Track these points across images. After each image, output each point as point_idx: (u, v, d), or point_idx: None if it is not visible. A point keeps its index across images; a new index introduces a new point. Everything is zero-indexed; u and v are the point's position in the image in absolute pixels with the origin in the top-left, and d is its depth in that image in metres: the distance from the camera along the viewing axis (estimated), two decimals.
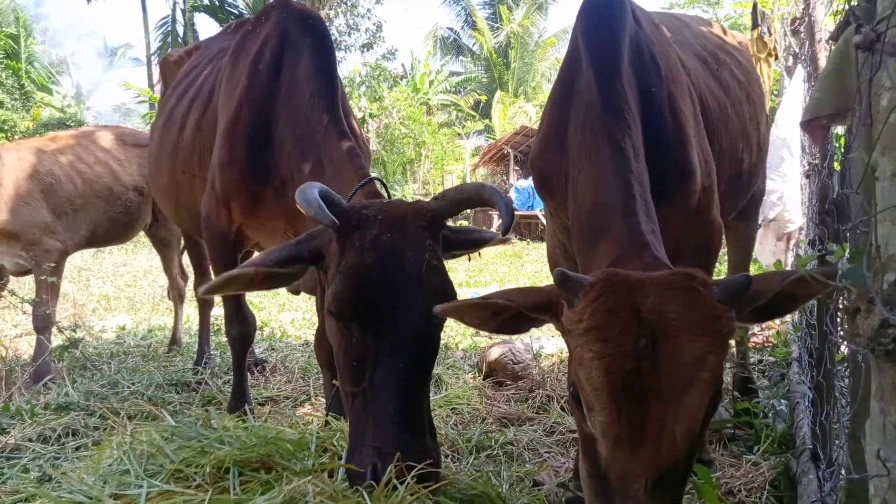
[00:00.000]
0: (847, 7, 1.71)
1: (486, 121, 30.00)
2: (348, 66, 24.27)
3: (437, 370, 4.08)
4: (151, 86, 22.11)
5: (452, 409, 3.44)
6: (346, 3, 21.96)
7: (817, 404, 2.43)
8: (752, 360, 4.11)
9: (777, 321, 5.49)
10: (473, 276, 10.56)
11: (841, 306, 1.90)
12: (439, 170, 25.80)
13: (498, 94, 29.57)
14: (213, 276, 3.54)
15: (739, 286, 1.43)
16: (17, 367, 4.21)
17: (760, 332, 5.20)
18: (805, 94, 4.94)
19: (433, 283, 1.96)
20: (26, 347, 5.00)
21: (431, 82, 29.12)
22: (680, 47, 2.75)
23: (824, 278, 1.38)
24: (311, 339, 4.82)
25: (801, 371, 3.55)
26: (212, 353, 4.62)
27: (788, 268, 4.85)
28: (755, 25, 5.88)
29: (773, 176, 5.31)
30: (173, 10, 25.09)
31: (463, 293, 4.56)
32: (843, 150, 2.37)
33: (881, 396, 1.04)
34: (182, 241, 5.16)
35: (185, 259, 5.27)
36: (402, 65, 30.95)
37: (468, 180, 26.23)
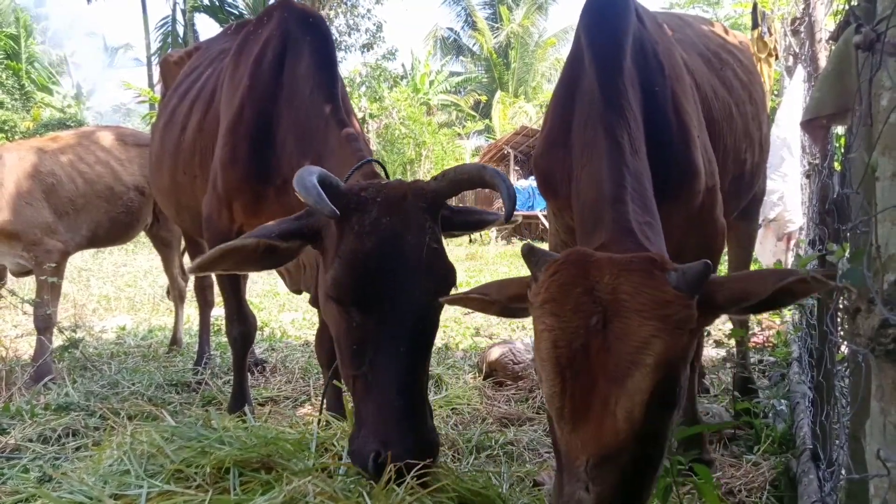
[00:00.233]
0: (847, 7, 1.71)
1: (486, 121, 30.00)
2: (348, 66, 24.29)
3: (437, 370, 4.08)
4: (151, 86, 22.11)
5: (452, 409, 3.43)
6: (346, 4, 21.96)
7: (817, 404, 2.43)
8: (752, 360, 4.11)
9: (777, 321, 5.49)
10: (473, 276, 10.56)
11: (841, 306, 1.90)
12: (439, 170, 25.70)
13: (498, 94, 29.57)
14: (213, 277, 3.55)
15: (696, 273, 1.42)
16: (18, 367, 4.21)
17: (760, 333, 5.20)
18: (805, 94, 4.94)
19: (434, 266, 1.95)
20: (26, 348, 5.00)
21: (431, 82, 29.12)
22: (683, 46, 2.75)
23: (824, 278, 1.37)
24: (311, 339, 4.82)
25: (802, 371, 3.54)
26: (212, 353, 4.62)
27: (789, 268, 4.85)
28: (755, 25, 5.88)
29: (774, 176, 5.31)
30: (173, 11, 25.12)
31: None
32: (843, 150, 2.37)
33: (881, 396, 1.04)
34: (183, 242, 5.16)
35: (186, 259, 5.27)
36: (402, 65, 30.99)
37: None
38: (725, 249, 4.15)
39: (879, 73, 1.08)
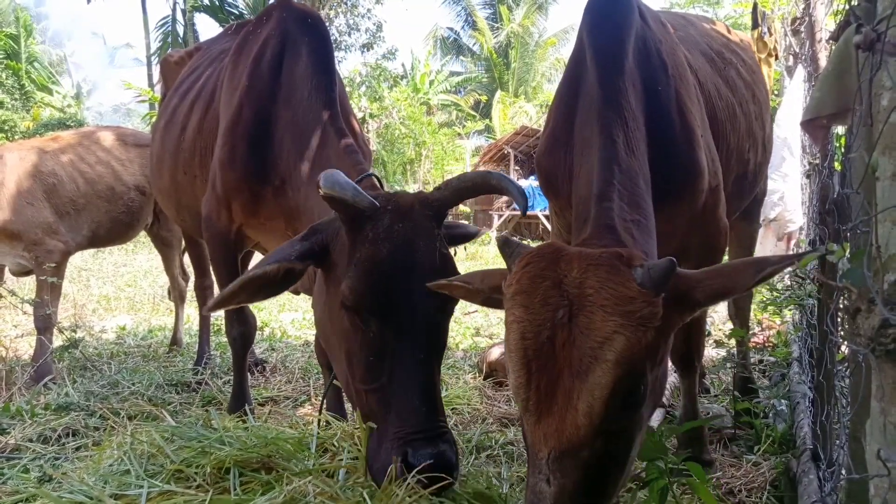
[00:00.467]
0: (847, 7, 1.71)
1: (486, 121, 30.00)
2: (348, 66, 24.36)
3: None
4: (151, 86, 22.11)
5: (452, 409, 3.43)
6: (346, 3, 21.97)
7: (818, 404, 2.43)
8: (752, 360, 4.11)
9: (777, 321, 5.49)
10: None
11: (841, 306, 1.90)
12: (439, 170, 25.79)
13: (498, 94, 29.57)
14: (213, 277, 3.54)
15: (661, 271, 1.42)
16: (18, 367, 4.21)
17: (761, 333, 5.20)
18: (805, 94, 4.94)
19: (445, 272, 1.96)
20: (26, 348, 5.01)
21: (431, 82, 29.12)
22: (686, 45, 2.75)
23: (793, 261, 1.43)
24: (311, 339, 4.82)
25: (802, 371, 3.54)
26: (212, 353, 4.62)
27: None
28: (755, 25, 5.87)
29: (774, 176, 5.32)
30: (173, 10, 25.12)
31: None
32: (843, 150, 2.37)
33: (881, 396, 1.04)
34: (183, 241, 5.17)
35: (186, 259, 5.27)
36: (402, 65, 31.01)
37: None
38: (727, 249, 4.16)
39: (879, 73, 1.08)
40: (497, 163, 25.05)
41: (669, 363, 2.77)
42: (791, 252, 5.82)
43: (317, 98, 2.73)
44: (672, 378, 3.64)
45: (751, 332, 4.35)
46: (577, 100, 2.25)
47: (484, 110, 30.99)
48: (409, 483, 1.75)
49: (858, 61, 1.21)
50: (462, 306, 3.61)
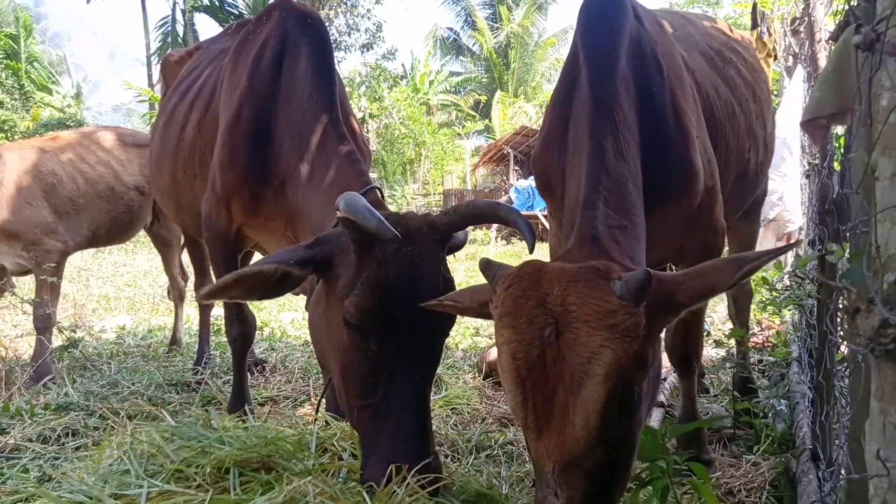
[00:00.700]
0: (847, 7, 1.71)
1: (486, 121, 30.02)
2: (348, 66, 24.38)
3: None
4: (151, 86, 22.11)
5: (452, 409, 3.43)
6: (346, 3, 21.98)
7: (817, 404, 2.43)
8: (752, 360, 4.11)
9: (777, 321, 5.49)
10: (473, 276, 10.55)
11: (841, 306, 1.90)
12: (439, 170, 25.83)
13: (498, 94, 29.59)
14: (213, 277, 3.55)
15: (637, 283, 1.43)
16: (17, 367, 4.21)
17: (760, 333, 5.20)
18: (805, 94, 4.94)
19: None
20: (26, 347, 5.00)
21: (431, 82, 29.13)
22: (685, 45, 2.74)
23: (766, 260, 1.49)
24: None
25: (801, 371, 3.54)
26: (212, 353, 4.62)
27: (788, 268, 4.86)
28: (755, 25, 5.88)
29: (774, 176, 5.32)
30: (173, 11, 25.12)
31: None
32: (843, 150, 2.37)
33: (881, 396, 1.04)
34: (182, 241, 5.17)
35: (186, 259, 5.27)
36: (402, 65, 31.03)
37: (468, 180, 26.23)
38: (727, 249, 4.16)
39: (879, 73, 1.08)
40: (497, 163, 25.09)
41: (669, 363, 2.79)
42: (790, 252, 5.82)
43: (317, 99, 2.74)
44: (671, 378, 3.64)
45: (750, 332, 4.35)
46: (571, 101, 2.25)
47: (484, 110, 31.00)
48: (408, 483, 1.76)
49: (858, 61, 1.21)
50: None
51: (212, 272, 3.60)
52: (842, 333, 2.00)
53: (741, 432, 3.09)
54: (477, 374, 4.20)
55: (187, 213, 3.51)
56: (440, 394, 3.64)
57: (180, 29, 24.95)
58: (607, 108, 2.05)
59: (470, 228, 2.59)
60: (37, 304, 4.22)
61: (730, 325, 4.41)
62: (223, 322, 3.36)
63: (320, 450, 2.17)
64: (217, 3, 24.51)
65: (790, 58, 6.25)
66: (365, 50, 23.16)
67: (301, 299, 7.28)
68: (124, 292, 8.44)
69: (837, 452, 2.01)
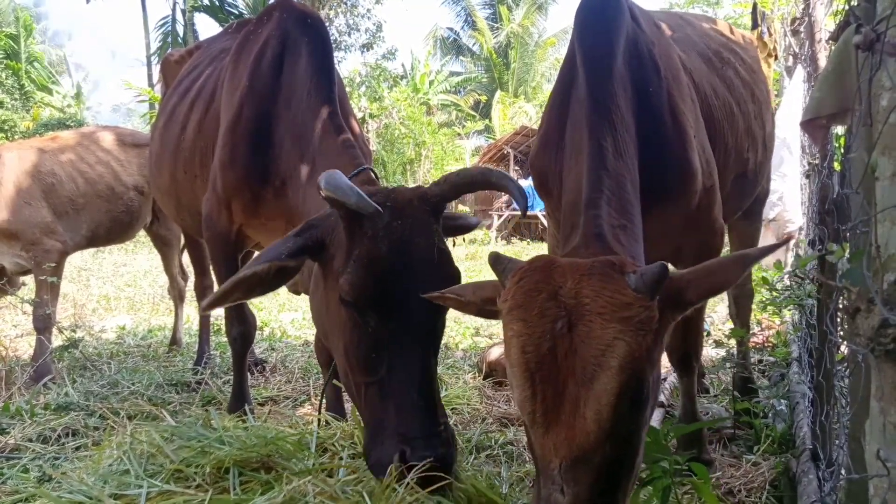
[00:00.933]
0: (847, 7, 1.71)
1: (486, 121, 30.01)
2: (348, 66, 24.38)
3: None
4: (151, 85, 22.10)
5: (452, 409, 3.43)
6: (346, 3, 21.97)
7: (817, 404, 2.43)
8: (752, 360, 4.11)
9: (777, 321, 5.49)
10: (473, 275, 10.56)
11: (841, 306, 1.90)
12: (439, 170, 25.77)
13: (498, 94, 29.59)
14: (213, 276, 3.54)
15: (653, 276, 1.43)
16: (17, 367, 4.21)
17: (760, 333, 5.20)
18: (805, 94, 4.94)
19: (443, 268, 1.98)
20: (26, 347, 5.00)
21: (431, 82, 29.12)
22: (682, 46, 2.74)
23: (766, 253, 1.51)
24: (311, 339, 4.82)
25: (801, 371, 3.54)
26: (212, 353, 4.62)
27: (788, 268, 4.86)
28: (755, 25, 5.88)
29: (774, 176, 5.31)
30: (173, 10, 25.12)
31: None
32: (843, 150, 2.37)
33: (881, 396, 1.04)
34: (182, 241, 5.17)
35: (186, 258, 5.27)
36: (402, 65, 31.01)
37: None
38: (727, 249, 4.16)
39: (879, 73, 1.08)
40: (497, 163, 25.05)
41: (669, 363, 2.79)
42: (790, 252, 5.82)
43: (317, 98, 2.74)
44: (671, 378, 3.64)
45: (750, 332, 4.35)
46: (569, 102, 2.26)
47: (484, 110, 31.00)
48: (408, 482, 1.75)
49: (858, 61, 1.21)
50: None
51: (212, 272, 3.60)
52: (842, 333, 2.00)
53: (741, 432, 3.09)
54: (477, 374, 4.20)
55: (187, 212, 3.51)
56: (440, 394, 3.64)
57: (180, 29, 24.95)
58: (605, 108, 2.05)
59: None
60: (36, 304, 4.22)
61: (730, 325, 4.41)
62: (223, 322, 3.36)
63: (320, 450, 2.17)
64: (217, 3, 24.50)
65: (790, 58, 6.25)
66: (365, 50, 23.16)
67: (301, 299, 7.29)
68: (124, 292, 8.44)
69: (837, 452, 2.01)
